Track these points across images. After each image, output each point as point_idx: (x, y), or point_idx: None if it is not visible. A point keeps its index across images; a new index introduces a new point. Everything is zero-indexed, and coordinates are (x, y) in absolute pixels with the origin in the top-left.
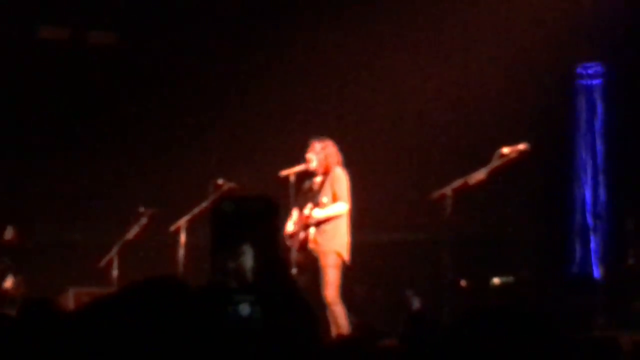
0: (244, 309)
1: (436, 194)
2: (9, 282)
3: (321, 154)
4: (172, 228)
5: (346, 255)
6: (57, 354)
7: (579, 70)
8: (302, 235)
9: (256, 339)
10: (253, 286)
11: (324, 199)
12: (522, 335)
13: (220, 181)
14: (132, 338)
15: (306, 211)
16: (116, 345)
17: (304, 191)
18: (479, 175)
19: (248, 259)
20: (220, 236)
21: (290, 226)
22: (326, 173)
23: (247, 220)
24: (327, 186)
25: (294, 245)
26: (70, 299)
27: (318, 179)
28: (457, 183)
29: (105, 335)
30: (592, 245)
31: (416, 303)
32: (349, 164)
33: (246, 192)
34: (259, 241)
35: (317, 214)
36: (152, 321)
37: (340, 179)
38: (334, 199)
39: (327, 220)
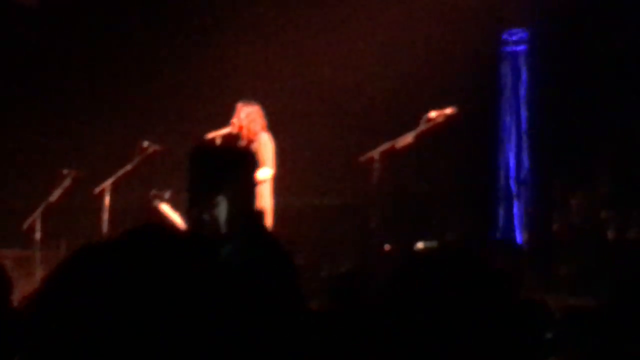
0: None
1: (364, 158)
2: None
3: (246, 119)
4: (97, 190)
5: (269, 220)
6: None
7: (504, 36)
8: None
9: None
10: (227, 236)
11: None
12: (453, 293)
13: (145, 143)
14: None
15: None
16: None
17: None
18: (407, 139)
19: (222, 211)
20: (196, 186)
21: None
22: (251, 138)
23: (223, 171)
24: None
25: None
26: None
27: (244, 144)
28: (385, 146)
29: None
30: (515, 210)
31: (342, 267)
32: (276, 127)
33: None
34: (234, 192)
35: None
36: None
37: (266, 145)
38: (260, 164)
39: None
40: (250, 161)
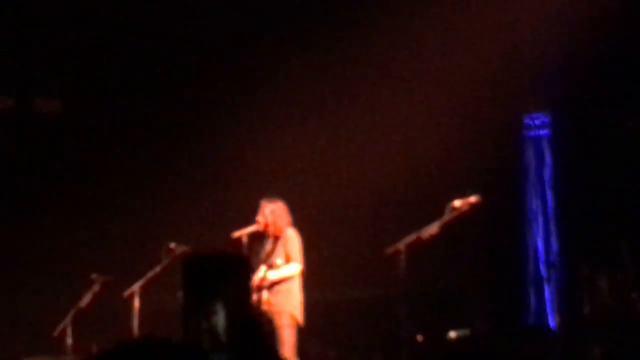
0: None
1: (390, 250)
2: None
3: (271, 216)
4: (126, 294)
5: (300, 315)
6: None
7: (527, 120)
8: (255, 297)
9: None
10: (226, 345)
11: (278, 260)
12: None
13: (172, 245)
14: None
15: (260, 273)
16: None
17: (257, 253)
18: (432, 229)
19: (221, 318)
20: (192, 294)
21: None
22: (278, 234)
23: (220, 278)
24: (279, 247)
25: None
26: None
27: (270, 241)
28: (410, 238)
29: None
30: (547, 294)
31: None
32: (301, 222)
33: (216, 250)
34: (232, 299)
35: (272, 275)
36: None
37: (292, 240)
38: (287, 260)
39: (280, 281)
40: (246, 267)
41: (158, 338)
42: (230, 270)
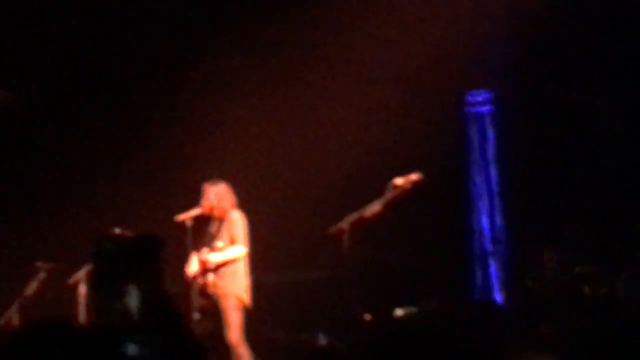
0: (132, 349)
1: (333, 230)
2: None
3: (215, 198)
4: (71, 281)
5: (246, 297)
6: None
7: (469, 97)
8: (201, 280)
9: None
10: (140, 326)
11: (219, 243)
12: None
13: (117, 230)
14: None
15: (203, 256)
16: None
17: (203, 236)
18: (375, 208)
19: (133, 299)
20: (103, 277)
21: (190, 271)
22: (222, 216)
23: (131, 260)
24: (224, 230)
25: (195, 290)
26: None
27: (215, 223)
28: (353, 217)
29: None
30: (492, 270)
31: (322, 340)
32: (246, 205)
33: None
34: (144, 280)
35: (214, 258)
36: None
37: (237, 222)
38: (231, 242)
39: (226, 263)
40: (159, 248)
41: (64, 321)
42: (143, 252)
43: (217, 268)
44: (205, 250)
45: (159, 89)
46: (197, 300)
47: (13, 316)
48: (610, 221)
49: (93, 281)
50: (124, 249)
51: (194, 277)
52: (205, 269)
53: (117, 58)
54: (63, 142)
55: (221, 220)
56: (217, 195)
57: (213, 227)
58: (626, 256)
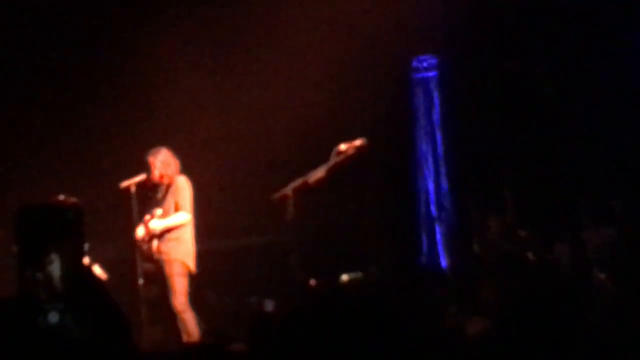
0: (53, 317)
1: (277, 195)
2: None
3: (160, 166)
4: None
5: (192, 263)
6: None
7: (414, 63)
8: (146, 246)
9: (69, 346)
10: (62, 294)
11: (158, 211)
12: (374, 324)
13: (61, 197)
14: None
15: (147, 223)
16: None
17: (148, 202)
18: (318, 173)
19: (56, 268)
20: (26, 246)
21: (138, 235)
22: (169, 183)
23: (53, 229)
24: (168, 196)
25: (141, 255)
26: None
27: (162, 189)
28: (297, 183)
29: None
30: (438, 235)
31: (269, 306)
32: (190, 171)
33: (47, 201)
34: (66, 249)
35: (156, 224)
36: None
37: (182, 188)
38: (176, 208)
39: (170, 229)
40: (79, 216)
41: None
42: (64, 221)
43: (162, 234)
44: (148, 217)
45: (107, 54)
46: (142, 266)
47: None
48: (553, 187)
49: (16, 250)
50: (46, 217)
51: (140, 243)
52: (150, 236)
53: (69, 25)
54: (8, 103)
55: (167, 186)
56: (162, 162)
57: (159, 194)
58: (567, 221)
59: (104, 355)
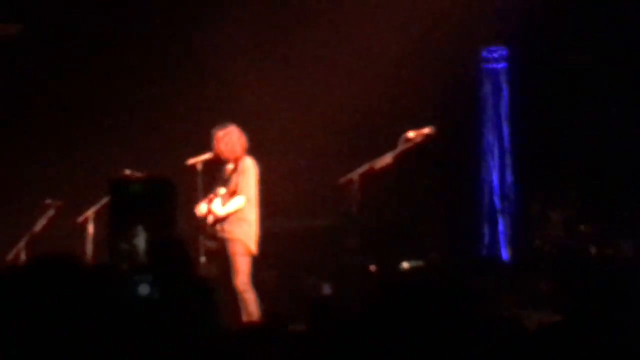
0: (144, 288)
1: (343, 180)
2: None
3: (224, 142)
4: (80, 219)
5: (253, 244)
6: None
7: (484, 53)
8: (209, 224)
9: (155, 318)
10: (147, 267)
11: (222, 190)
12: (433, 313)
13: (127, 172)
14: (28, 313)
15: (211, 201)
16: (14, 319)
17: (216, 179)
18: (386, 159)
19: (141, 240)
20: (115, 216)
21: (200, 212)
22: (237, 159)
23: (141, 201)
24: (234, 176)
25: (204, 233)
26: None
27: (230, 166)
28: (364, 168)
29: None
30: (500, 227)
31: (327, 289)
32: (256, 152)
33: (142, 175)
34: (153, 222)
35: (217, 210)
36: (47, 297)
37: (246, 170)
38: (235, 189)
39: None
40: (169, 191)
41: (71, 257)
42: (153, 194)
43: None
44: (212, 195)
45: (175, 33)
46: (205, 244)
47: (21, 252)
48: (617, 181)
49: (105, 220)
50: (136, 190)
51: (203, 221)
52: (213, 217)
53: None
54: (78, 80)
55: (235, 164)
56: (228, 140)
57: (227, 171)
58: (631, 216)
59: (190, 328)
